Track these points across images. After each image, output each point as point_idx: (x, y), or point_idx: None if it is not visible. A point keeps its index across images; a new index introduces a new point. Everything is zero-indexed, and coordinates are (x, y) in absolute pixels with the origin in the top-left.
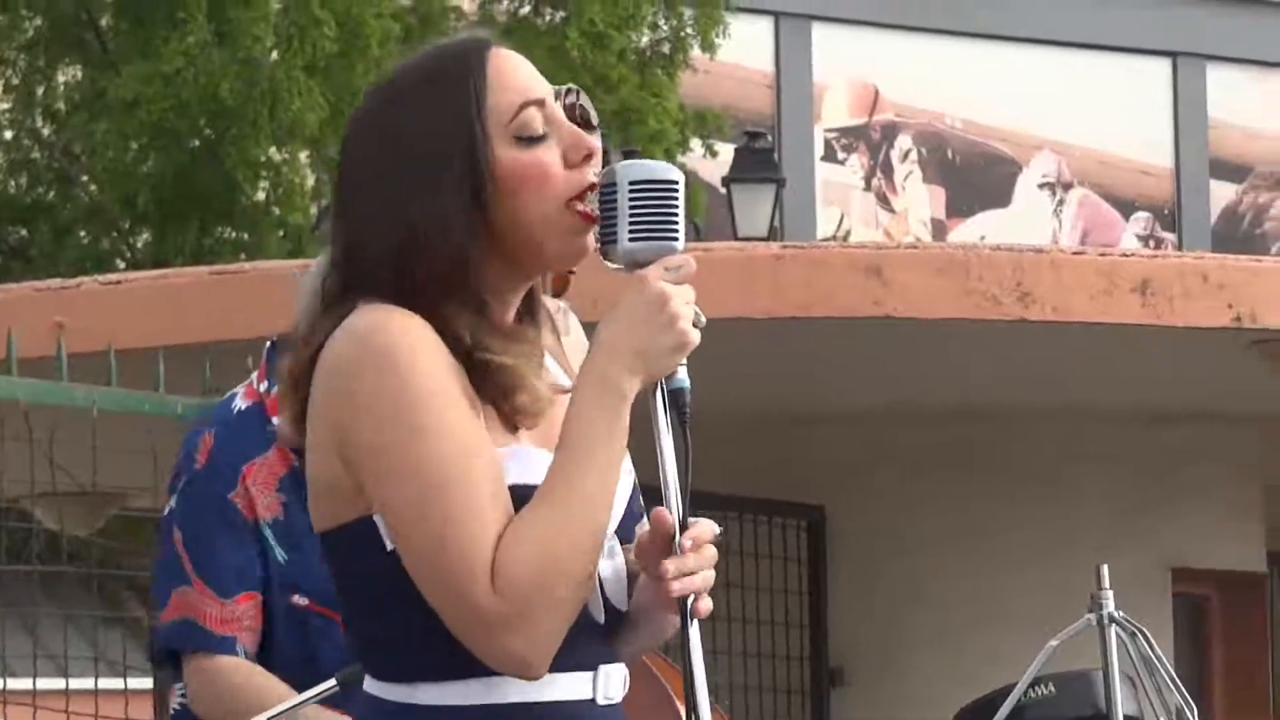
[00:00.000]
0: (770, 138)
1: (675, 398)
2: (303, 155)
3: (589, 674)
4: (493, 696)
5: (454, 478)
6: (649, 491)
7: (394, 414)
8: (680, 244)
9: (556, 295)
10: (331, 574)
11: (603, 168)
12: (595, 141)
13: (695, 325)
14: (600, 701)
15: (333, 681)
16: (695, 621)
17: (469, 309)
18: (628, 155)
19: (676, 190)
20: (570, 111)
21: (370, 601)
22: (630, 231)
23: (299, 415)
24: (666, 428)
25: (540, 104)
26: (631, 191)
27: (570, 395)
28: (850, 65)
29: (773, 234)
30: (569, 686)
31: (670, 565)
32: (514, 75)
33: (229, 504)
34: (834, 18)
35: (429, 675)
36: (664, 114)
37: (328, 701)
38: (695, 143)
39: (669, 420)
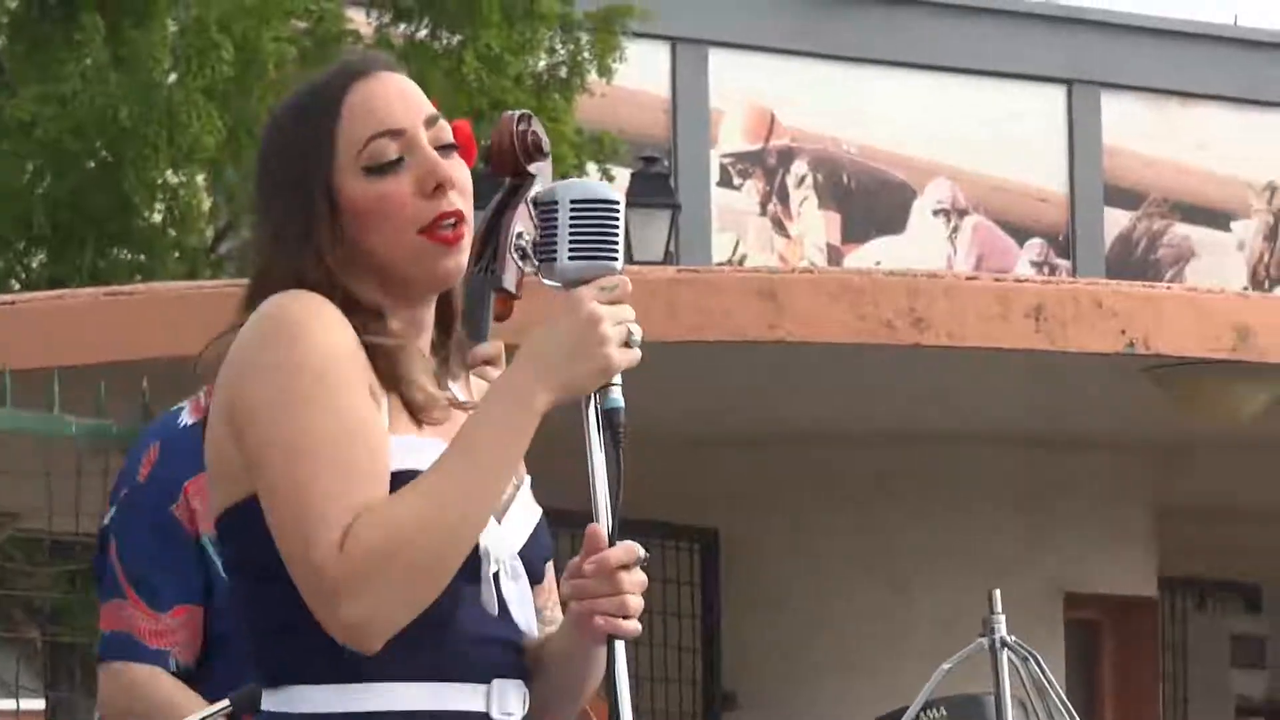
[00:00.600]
0: (666, 162)
1: (610, 417)
2: (199, 178)
3: (483, 686)
4: (380, 703)
5: (327, 449)
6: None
7: (285, 385)
8: (619, 264)
9: (499, 319)
10: (225, 566)
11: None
12: (451, 171)
13: (629, 345)
14: (495, 716)
15: (226, 702)
16: (620, 645)
17: (362, 313)
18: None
19: (617, 210)
20: (522, 139)
21: (258, 591)
22: (570, 250)
23: None
24: (599, 447)
25: (396, 133)
26: (572, 210)
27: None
28: (747, 90)
29: (668, 258)
30: (459, 697)
31: (570, 586)
32: (372, 106)
33: (168, 516)
34: (731, 43)
35: (315, 676)
36: (560, 138)
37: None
38: (592, 167)
39: (602, 440)
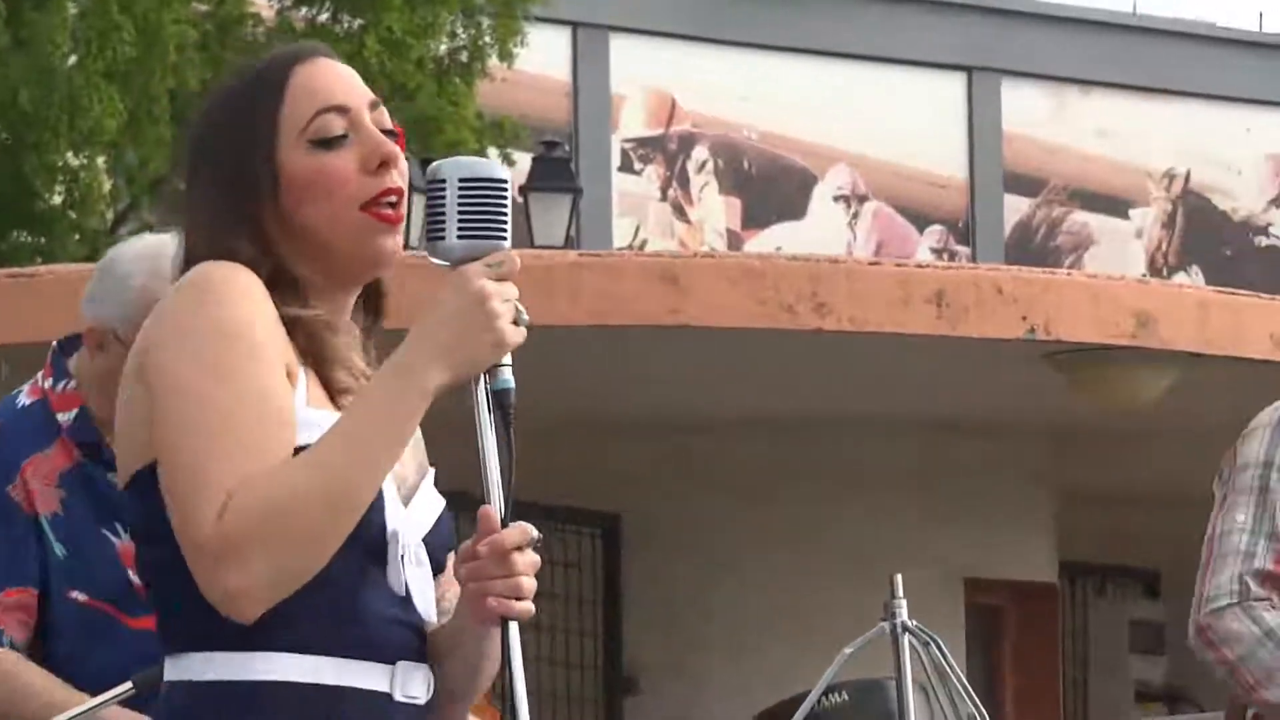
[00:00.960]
0: (567, 147)
1: (500, 398)
2: (100, 160)
3: (387, 667)
4: (282, 673)
5: (221, 418)
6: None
7: (192, 351)
8: (508, 242)
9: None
10: (134, 532)
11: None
12: (396, 148)
13: (516, 323)
14: (399, 698)
15: (129, 685)
16: (514, 627)
17: (284, 288)
18: (425, 164)
19: (505, 189)
20: None
21: (165, 557)
22: (459, 229)
23: None
24: (490, 428)
25: (341, 110)
26: (461, 189)
27: None
28: (648, 76)
29: (569, 243)
30: (362, 675)
31: (464, 568)
32: (316, 86)
33: (5, 496)
34: (632, 28)
35: (218, 644)
36: (462, 123)
37: (128, 702)
38: (493, 152)
39: (493, 421)
